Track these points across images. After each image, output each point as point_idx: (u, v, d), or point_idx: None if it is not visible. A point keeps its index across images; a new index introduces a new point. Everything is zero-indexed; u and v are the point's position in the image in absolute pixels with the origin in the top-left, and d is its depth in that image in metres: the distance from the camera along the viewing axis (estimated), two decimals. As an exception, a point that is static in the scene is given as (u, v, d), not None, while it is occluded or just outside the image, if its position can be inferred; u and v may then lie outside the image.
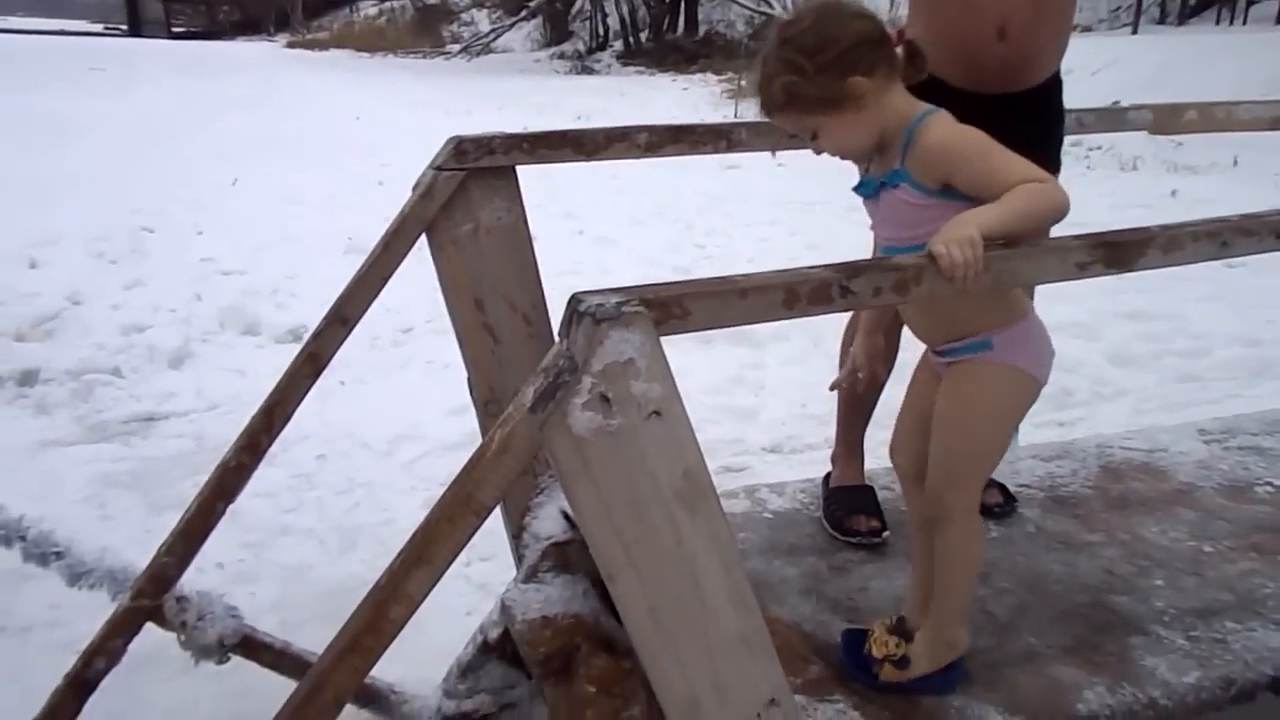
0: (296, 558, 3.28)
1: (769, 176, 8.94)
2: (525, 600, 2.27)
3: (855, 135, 1.60)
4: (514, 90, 16.85)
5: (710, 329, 1.31)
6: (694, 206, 7.93)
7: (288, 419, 2.12)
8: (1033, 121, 2.13)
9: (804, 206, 7.85)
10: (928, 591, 1.79)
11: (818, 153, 1.67)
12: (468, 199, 2.13)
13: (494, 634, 2.31)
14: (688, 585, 1.31)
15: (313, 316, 5.42)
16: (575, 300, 1.21)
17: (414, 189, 2.14)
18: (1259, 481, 2.54)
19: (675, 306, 1.23)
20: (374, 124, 12.44)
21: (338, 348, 2.10)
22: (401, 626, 1.25)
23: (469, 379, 2.27)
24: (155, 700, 2.51)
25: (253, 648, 2.23)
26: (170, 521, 3.41)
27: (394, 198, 7.73)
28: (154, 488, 3.72)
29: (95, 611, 2.82)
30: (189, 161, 9.16)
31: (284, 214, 7.33)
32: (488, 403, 2.25)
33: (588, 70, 18.70)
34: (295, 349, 5.30)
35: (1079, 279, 1.42)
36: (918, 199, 1.57)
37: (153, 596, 2.13)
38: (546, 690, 2.04)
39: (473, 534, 1.25)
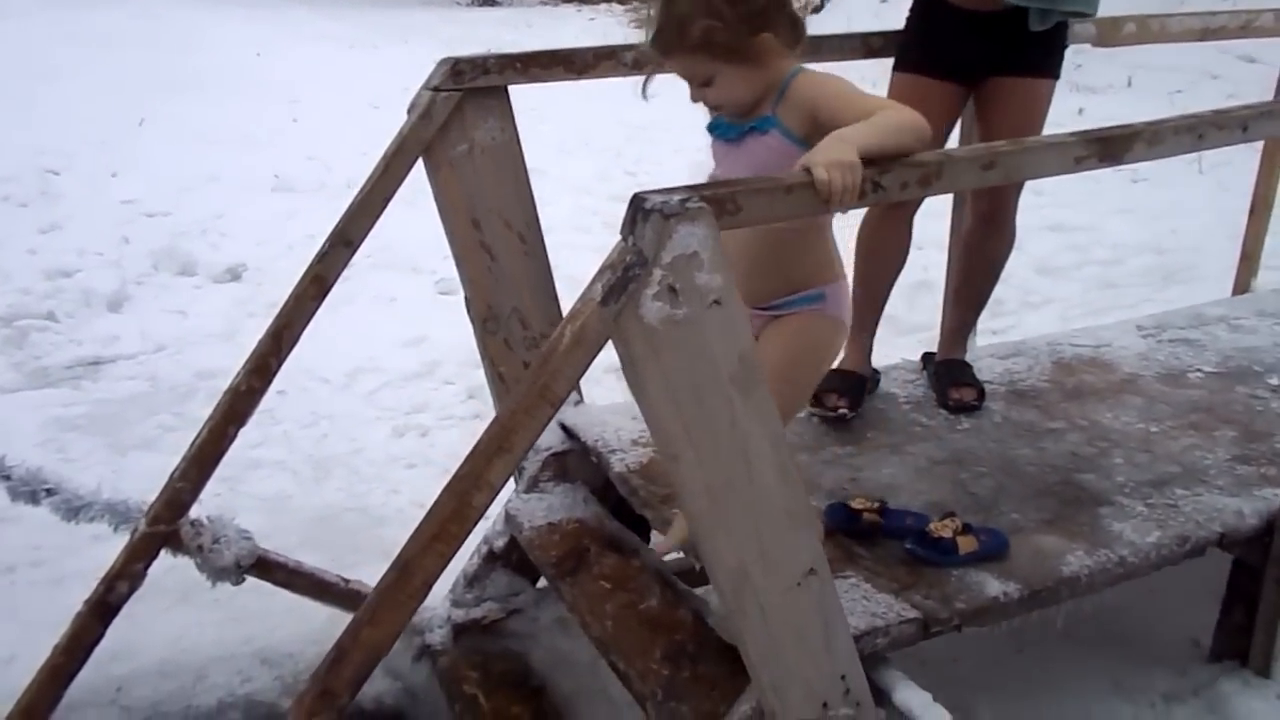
0: (273, 489, 3.30)
1: (689, 105, 8.97)
2: (529, 509, 2.37)
3: (747, 88, 1.64)
4: (418, 23, 16.37)
5: (759, 224, 1.41)
6: (620, 135, 7.93)
7: (295, 341, 2.14)
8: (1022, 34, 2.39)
9: (727, 134, 7.92)
10: None
11: (696, 99, 1.68)
12: (462, 120, 2.16)
13: (499, 544, 2.41)
14: (740, 464, 1.42)
15: (249, 255, 5.39)
16: (639, 199, 1.29)
17: (410, 110, 2.16)
18: (1190, 369, 2.78)
19: (729, 203, 1.32)
20: (276, 59, 11.97)
21: (342, 269, 2.12)
22: (483, 513, 1.33)
23: (466, 297, 2.32)
24: (159, 629, 2.54)
25: (267, 568, 2.28)
26: (137, 461, 3.44)
27: (311, 134, 7.61)
28: (113, 429, 3.68)
29: (76, 548, 2.83)
30: (85, 100, 8.72)
31: (200, 153, 7.09)
32: (485, 320, 2.31)
33: (491, 2, 18.30)
34: (236, 288, 5.27)
35: (1075, 172, 1.55)
36: (785, 146, 1.62)
37: (168, 522, 2.15)
38: (563, 589, 2.15)
39: (548, 423, 1.34)
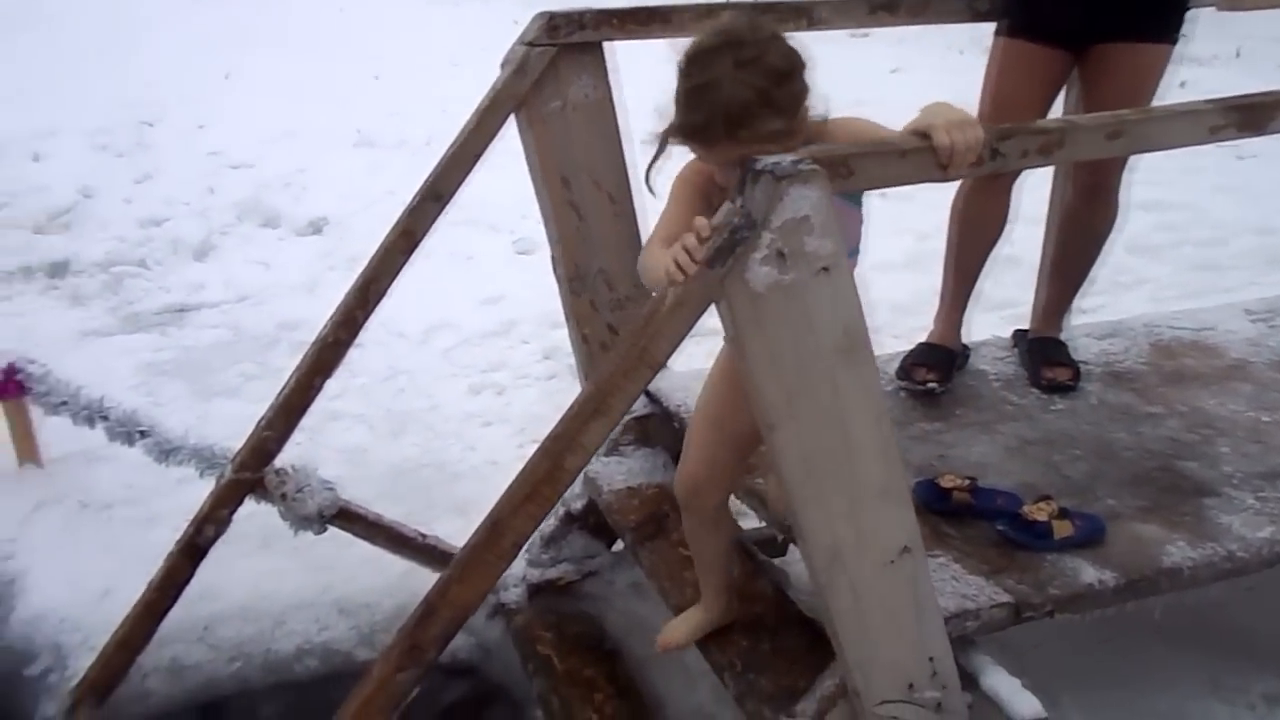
0: (351, 441, 3.34)
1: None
2: (609, 473, 2.36)
3: None
4: (498, -24, 16.35)
5: (871, 188, 1.36)
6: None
7: (382, 295, 2.15)
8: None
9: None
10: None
11: (727, 182, 1.48)
12: (556, 76, 2.13)
13: (577, 506, 2.40)
14: (840, 437, 1.37)
15: (331, 209, 5.45)
16: (750, 160, 1.25)
17: (503, 65, 2.13)
18: (1305, 357, 2.64)
19: (842, 166, 1.27)
20: (359, 15, 12.07)
21: (431, 224, 2.11)
22: (576, 476, 1.32)
23: (553, 256, 2.30)
24: (243, 573, 2.59)
25: (349, 518, 2.31)
26: (220, 408, 3.50)
27: (392, 90, 7.64)
28: (199, 375, 3.76)
29: (167, 489, 2.90)
30: (176, 53, 8.89)
31: (284, 107, 7.17)
32: (572, 279, 2.29)
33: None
34: (317, 241, 5.33)
35: (1209, 143, 1.47)
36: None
37: (254, 469, 2.18)
38: (641, 554, 2.13)
39: (645, 386, 1.31)
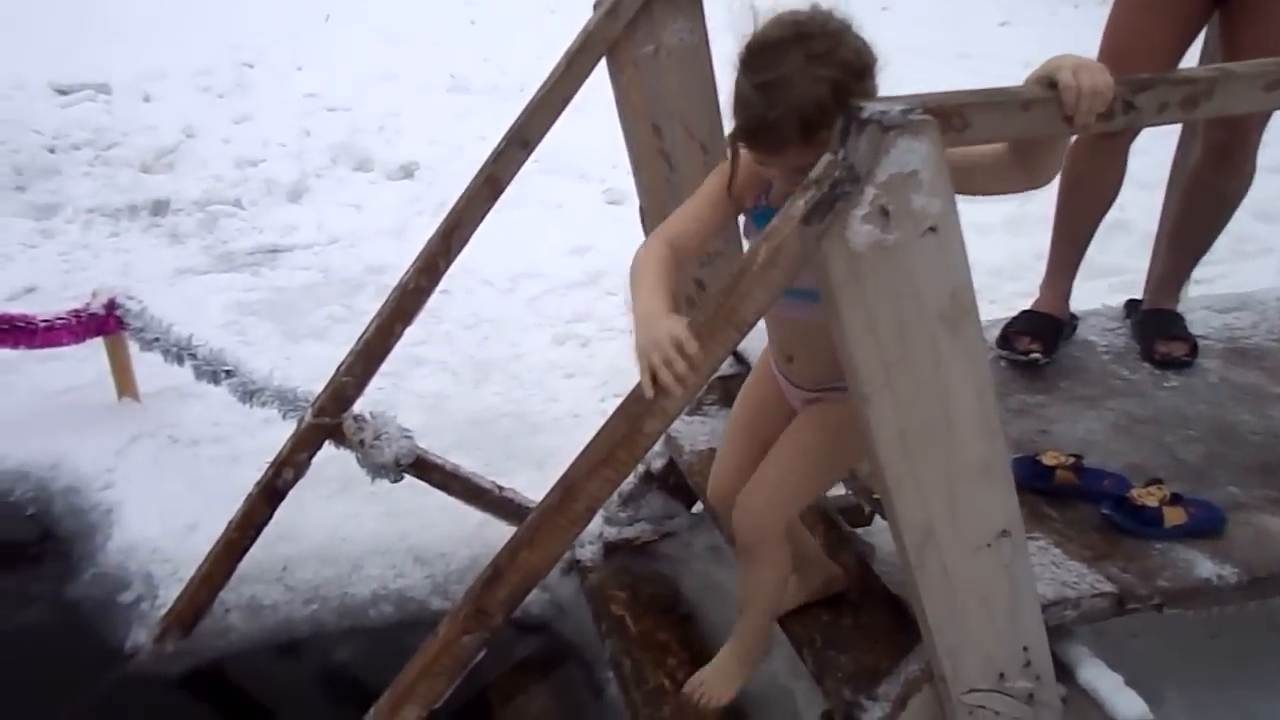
0: (433, 388, 3.34)
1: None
2: (691, 433, 2.29)
3: None
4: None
5: (988, 142, 1.24)
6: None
7: (465, 242, 2.10)
8: None
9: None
10: None
11: (783, 192, 1.40)
12: (650, 19, 2.03)
13: (657, 465, 2.34)
14: (939, 410, 1.28)
15: (422, 153, 5.44)
16: (855, 108, 1.14)
17: (596, 6, 2.04)
18: None
19: (956, 117, 1.16)
20: (457, -42, 12.04)
21: (517, 170, 2.05)
22: (655, 440, 1.25)
23: (641, 207, 2.22)
24: (321, 517, 2.61)
25: (425, 468, 2.29)
26: (307, 349, 3.53)
27: (487, 36, 7.59)
28: (287, 317, 3.80)
29: (251, 429, 2.94)
30: (273, -4, 8.99)
31: (380, 50, 7.20)
32: (659, 233, 2.20)
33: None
34: (408, 185, 5.34)
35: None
36: None
37: (333, 415, 2.17)
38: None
39: (733, 349, 1.23)
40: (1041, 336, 2.33)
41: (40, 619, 2.41)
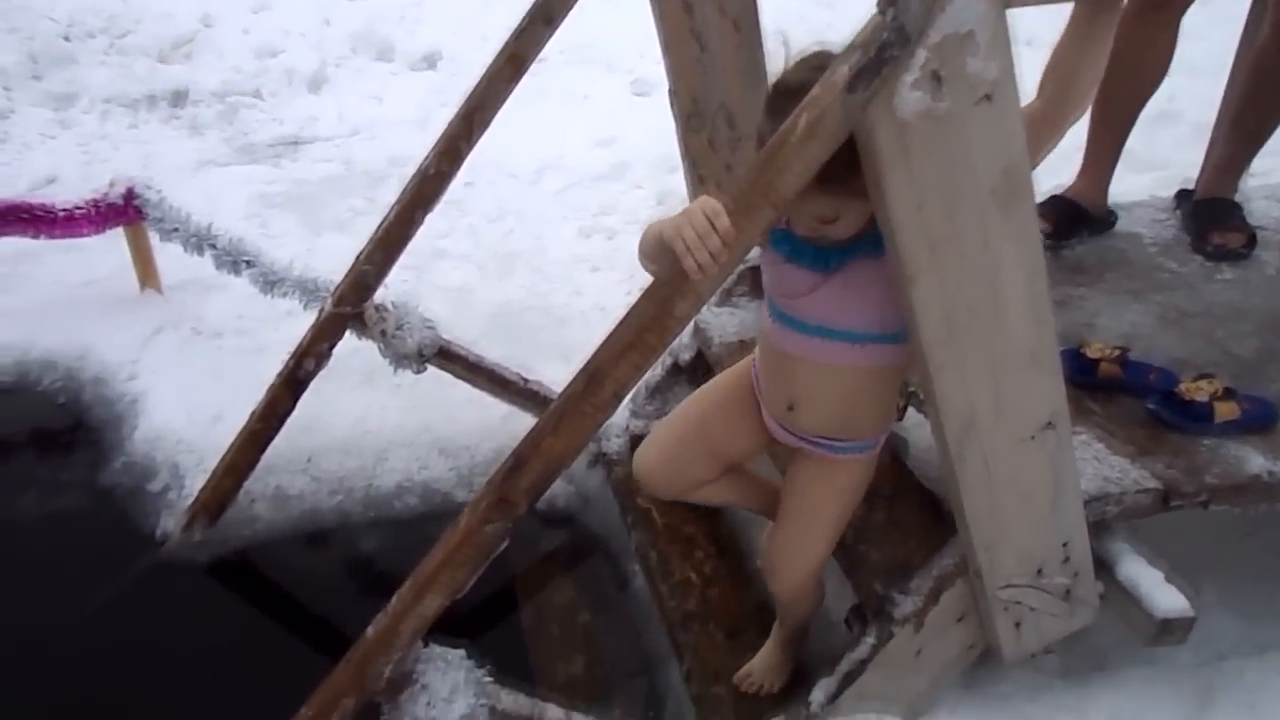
0: (457, 280, 3.29)
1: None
2: (720, 324, 2.23)
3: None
4: None
5: (1051, 2, 1.14)
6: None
7: (486, 125, 2.01)
8: None
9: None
10: None
11: (810, 234, 1.33)
12: (681, -116, 1.90)
13: (685, 356, 2.29)
14: (987, 293, 1.21)
15: (444, 43, 5.27)
16: (905, -45, 1.04)
17: None
18: None
19: (1018, -29, 1.06)
20: None
21: (540, 48, 1.95)
22: (685, 324, 1.19)
23: (671, 88, 2.12)
24: (345, 407, 2.59)
25: (448, 358, 2.25)
26: (329, 241, 3.47)
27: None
28: (309, 209, 3.74)
29: (275, 321, 2.90)
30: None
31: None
32: (690, 116, 2.11)
33: None
34: (430, 76, 5.19)
35: None
36: (883, 259, 1.28)
37: (354, 304, 2.13)
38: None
39: (768, 226, 1.16)
40: (1055, 220, 2.23)
41: (74, 504, 2.43)
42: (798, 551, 1.54)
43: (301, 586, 2.25)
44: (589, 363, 1.20)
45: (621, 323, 1.19)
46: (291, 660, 2.03)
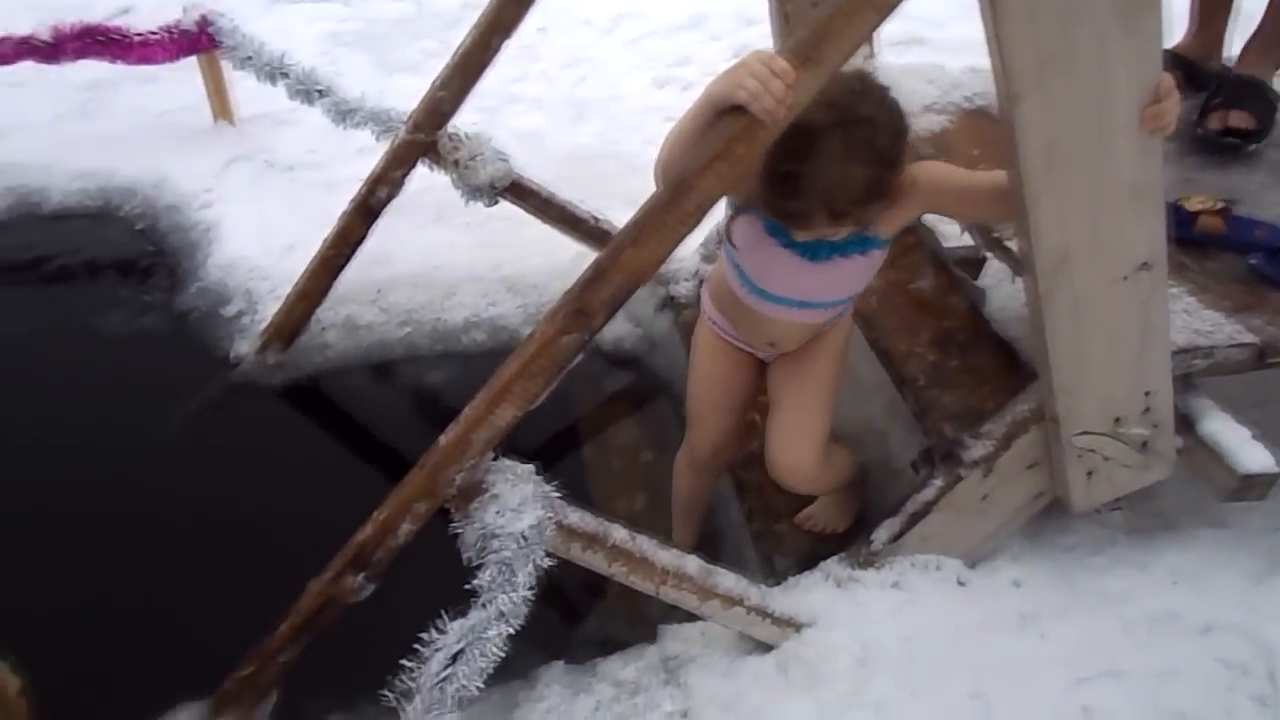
0: (529, 125, 3.24)
1: None
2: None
3: (879, 217, 1.40)
4: None
5: None
6: None
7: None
8: None
9: None
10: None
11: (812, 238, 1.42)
12: None
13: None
14: (1094, 118, 1.14)
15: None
16: None
17: None
18: None
19: None
20: None
21: None
22: (776, 135, 1.14)
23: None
24: (415, 243, 2.60)
25: (520, 193, 2.22)
26: (399, 82, 3.42)
27: None
28: (380, 48, 3.68)
29: (346, 157, 2.90)
30: None
31: None
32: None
33: None
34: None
35: None
36: (877, 255, 1.49)
37: (428, 131, 2.10)
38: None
39: (869, 33, 1.09)
40: (1188, 75, 2.09)
41: (154, 325, 2.50)
42: (799, 434, 1.60)
43: (369, 413, 2.31)
44: (676, 175, 1.17)
45: (711, 133, 1.15)
46: (359, 480, 2.09)
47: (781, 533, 1.78)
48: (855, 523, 1.78)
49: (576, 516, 1.37)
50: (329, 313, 2.36)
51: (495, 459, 1.35)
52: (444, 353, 2.39)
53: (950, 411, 1.59)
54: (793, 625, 1.54)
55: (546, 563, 1.30)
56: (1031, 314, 1.33)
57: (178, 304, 2.52)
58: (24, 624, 1.58)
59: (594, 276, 1.21)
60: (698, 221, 1.17)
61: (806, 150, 1.26)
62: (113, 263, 2.73)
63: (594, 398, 2.35)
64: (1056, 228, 1.22)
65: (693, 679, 1.57)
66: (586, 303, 1.21)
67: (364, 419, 2.31)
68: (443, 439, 1.30)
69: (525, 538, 1.30)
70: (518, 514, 1.30)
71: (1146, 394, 1.42)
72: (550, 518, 1.32)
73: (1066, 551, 1.65)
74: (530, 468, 1.37)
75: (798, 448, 1.59)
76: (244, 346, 2.34)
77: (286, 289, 2.34)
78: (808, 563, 1.69)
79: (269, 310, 2.37)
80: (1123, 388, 1.40)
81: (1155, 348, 1.37)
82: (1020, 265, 1.53)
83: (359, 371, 2.36)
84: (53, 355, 2.43)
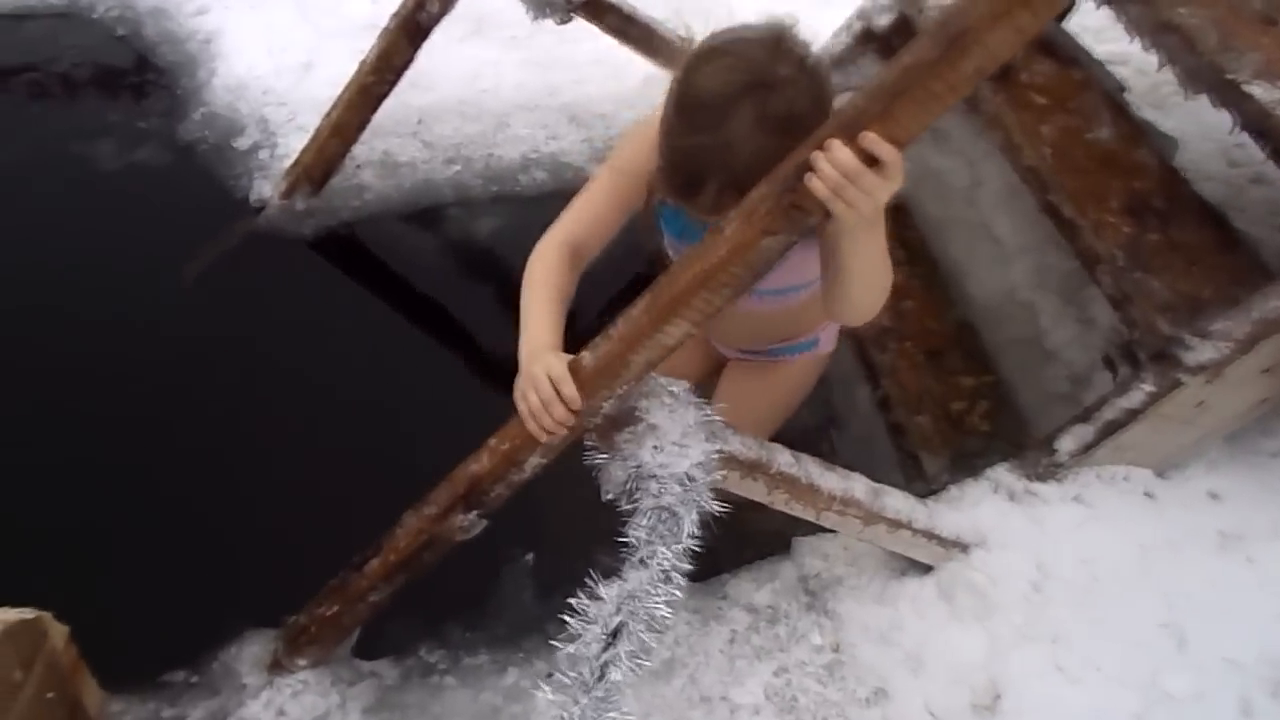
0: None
1: None
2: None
3: None
4: None
5: None
6: None
7: None
8: None
9: None
10: None
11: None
12: None
13: (881, 21, 1.88)
14: None
15: None
16: None
17: None
18: None
19: None
20: None
21: None
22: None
23: None
24: (454, 60, 2.22)
25: (597, 10, 1.85)
26: None
27: None
28: None
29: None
30: None
31: None
32: None
33: None
34: None
35: None
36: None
37: (487, -72, 1.70)
38: (986, 98, 1.64)
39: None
40: None
41: (154, 158, 2.13)
42: None
43: (416, 268, 2.00)
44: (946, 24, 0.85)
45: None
46: (405, 347, 1.82)
47: (924, 426, 1.55)
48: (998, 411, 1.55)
49: (739, 443, 1.13)
50: (363, 148, 2.01)
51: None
52: (499, 195, 2.06)
53: (1160, 300, 1.32)
54: (959, 546, 1.33)
55: (716, 507, 1.06)
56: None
57: (180, 133, 2.16)
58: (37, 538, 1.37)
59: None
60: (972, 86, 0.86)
61: (713, 121, 1.02)
62: (93, 78, 2.32)
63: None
64: None
65: (841, 605, 1.37)
66: (803, 197, 0.91)
67: (410, 275, 1.99)
68: (586, 356, 1.03)
69: (691, 478, 1.05)
70: (681, 449, 1.05)
71: None
72: (717, 451, 1.07)
73: (1273, 458, 1.43)
74: (685, 384, 1.11)
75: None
76: (266, 188, 2.01)
77: (307, 118, 2.00)
78: (960, 464, 1.47)
79: (290, 143, 2.03)
80: None
81: None
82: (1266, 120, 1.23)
83: (403, 218, 2.04)
84: (33, 193, 2.03)
